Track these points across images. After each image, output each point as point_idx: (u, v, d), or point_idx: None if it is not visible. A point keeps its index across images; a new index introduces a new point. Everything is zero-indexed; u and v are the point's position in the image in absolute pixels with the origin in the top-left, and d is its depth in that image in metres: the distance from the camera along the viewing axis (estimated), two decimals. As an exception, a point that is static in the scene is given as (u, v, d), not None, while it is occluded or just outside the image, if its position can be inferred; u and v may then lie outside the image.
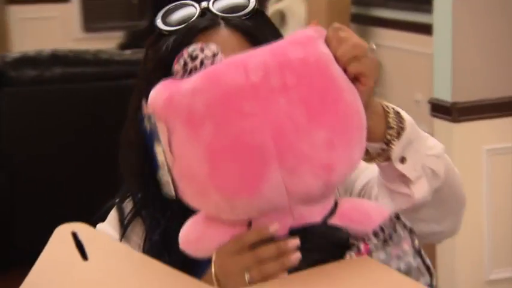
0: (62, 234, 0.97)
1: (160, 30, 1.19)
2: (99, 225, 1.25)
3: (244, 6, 1.20)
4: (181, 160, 0.92)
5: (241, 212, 0.93)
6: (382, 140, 1.04)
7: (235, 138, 0.89)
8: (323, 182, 0.93)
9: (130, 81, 4.01)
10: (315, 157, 0.91)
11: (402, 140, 1.04)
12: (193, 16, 1.19)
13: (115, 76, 3.61)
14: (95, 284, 0.90)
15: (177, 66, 0.94)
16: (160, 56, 1.17)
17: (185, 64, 0.94)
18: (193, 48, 0.94)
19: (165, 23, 1.19)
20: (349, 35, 0.97)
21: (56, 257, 0.96)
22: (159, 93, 0.95)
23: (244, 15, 1.19)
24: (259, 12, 1.22)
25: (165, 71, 1.08)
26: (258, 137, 0.89)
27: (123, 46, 6.05)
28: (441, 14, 2.91)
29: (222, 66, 0.93)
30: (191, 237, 0.98)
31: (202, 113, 0.90)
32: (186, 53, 0.94)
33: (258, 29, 1.19)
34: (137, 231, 1.22)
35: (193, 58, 0.94)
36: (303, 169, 0.91)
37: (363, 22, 5.27)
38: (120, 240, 1.21)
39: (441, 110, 2.87)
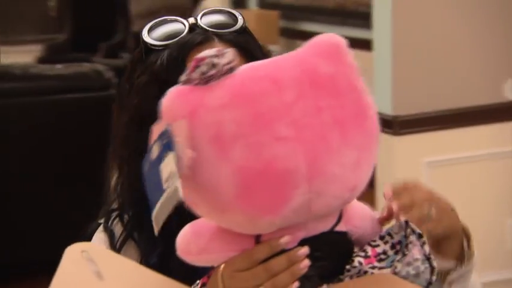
0: (73, 254, 0.96)
1: (150, 45, 1.18)
2: None
3: (233, 23, 1.21)
4: (204, 175, 0.89)
5: (261, 230, 0.92)
6: (453, 261, 1.09)
7: (267, 162, 0.87)
8: (345, 200, 0.94)
9: (63, 96, 3.89)
10: (344, 178, 0.91)
11: (467, 268, 1.09)
12: (182, 31, 1.18)
13: (47, 91, 3.51)
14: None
15: (194, 74, 0.89)
16: (154, 71, 1.15)
17: (203, 73, 0.89)
18: (211, 54, 0.89)
19: (153, 38, 1.18)
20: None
21: (70, 278, 0.95)
22: (176, 103, 0.90)
23: (236, 31, 1.21)
24: (246, 29, 1.24)
25: (159, 86, 1.07)
26: (291, 163, 0.87)
27: (42, 60, 5.92)
28: (381, 29, 2.96)
29: (251, 82, 0.90)
30: (192, 248, 0.95)
31: (232, 132, 0.87)
32: (203, 60, 0.89)
33: (250, 44, 1.21)
34: (131, 255, 1.18)
35: (213, 66, 0.89)
36: (331, 190, 0.90)
37: (292, 36, 5.30)
38: None
39: (382, 123, 2.89)
